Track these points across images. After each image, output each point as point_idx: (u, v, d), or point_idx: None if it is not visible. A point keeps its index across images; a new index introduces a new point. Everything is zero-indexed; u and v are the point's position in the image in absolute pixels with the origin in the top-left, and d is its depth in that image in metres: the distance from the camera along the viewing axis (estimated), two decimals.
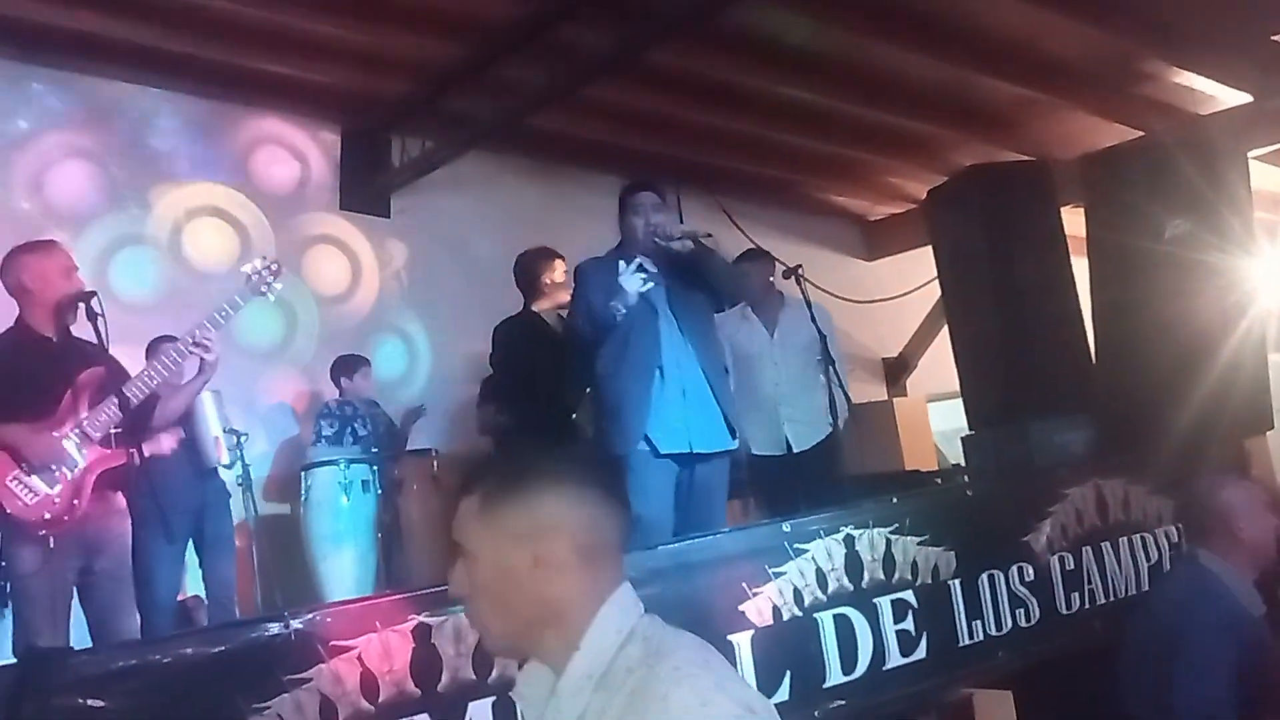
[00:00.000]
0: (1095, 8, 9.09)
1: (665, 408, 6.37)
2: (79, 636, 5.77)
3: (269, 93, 10.34)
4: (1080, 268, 8.50)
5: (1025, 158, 11.30)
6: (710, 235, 6.68)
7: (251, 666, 4.08)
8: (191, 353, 6.05)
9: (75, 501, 5.61)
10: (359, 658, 4.23)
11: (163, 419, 6.52)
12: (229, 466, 8.46)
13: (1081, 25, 9.36)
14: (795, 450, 8.61)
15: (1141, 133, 10.61)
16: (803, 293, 8.32)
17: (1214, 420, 7.43)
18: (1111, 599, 6.73)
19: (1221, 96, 11.14)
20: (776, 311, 8.80)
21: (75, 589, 5.74)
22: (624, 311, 6.37)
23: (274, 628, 4.16)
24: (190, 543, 8.16)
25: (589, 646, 2.30)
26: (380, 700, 4.24)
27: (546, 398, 7.51)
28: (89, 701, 3.79)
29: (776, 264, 8.92)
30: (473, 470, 2.46)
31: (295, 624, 4.17)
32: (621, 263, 6.46)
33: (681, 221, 6.70)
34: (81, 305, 5.74)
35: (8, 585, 5.85)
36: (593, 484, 2.41)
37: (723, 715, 2.11)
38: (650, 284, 6.40)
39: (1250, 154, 9.55)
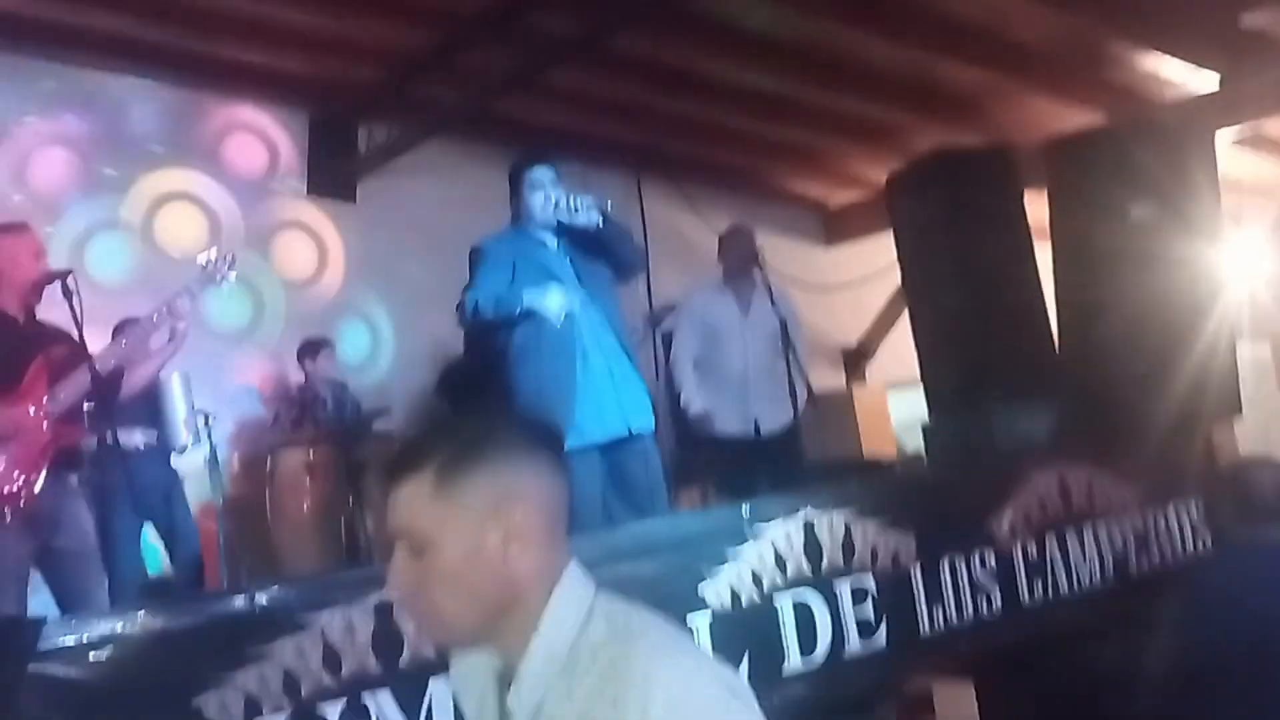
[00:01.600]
0: None
1: (594, 390, 6.05)
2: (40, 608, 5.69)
3: (239, 80, 10.35)
4: (1043, 254, 8.35)
5: (987, 143, 11.14)
6: (608, 204, 6.38)
7: (218, 640, 4.03)
8: (163, 320, 6.03)
9: (32, 477, 5.51)
10: (322, 632, 4.15)
11: (130, 390, 6.55)
12: (183, 451, 8.44)
13: (1045, 6, 9.31)
14: (763, 433, 8.44)
15: (1105, 117, 10.60)
16: (764, 277, 8.15)
17: (1180, 407, 7.26)
18: (1075, 588, 6.53)
19: (1187, 82, 11.09)
20: (751, 291, 8.57)
21: (37, 567, 5.66)
22: (527, 307, 6.02)
23: (240, 601, 4.12)
24: (154, 525, 8.13)
25: (550, 627, 2.12)
26: (343, 674, 4.17)
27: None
28: (59, 670, 3.76)
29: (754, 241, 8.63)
30: (416, 445, 2.20)
31: (260, 599, 4.14)
32: (538, 286, 6.06)
33: (578, 195, 6.42)
34: (58, 283, 5.63)
35: None
36: (543, 450, 2.24)
37: (708, 698, 2.00)
38: (572, 307, 6.03)
39: (1220, 139, 9.49)
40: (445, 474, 2.13)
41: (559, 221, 6.21)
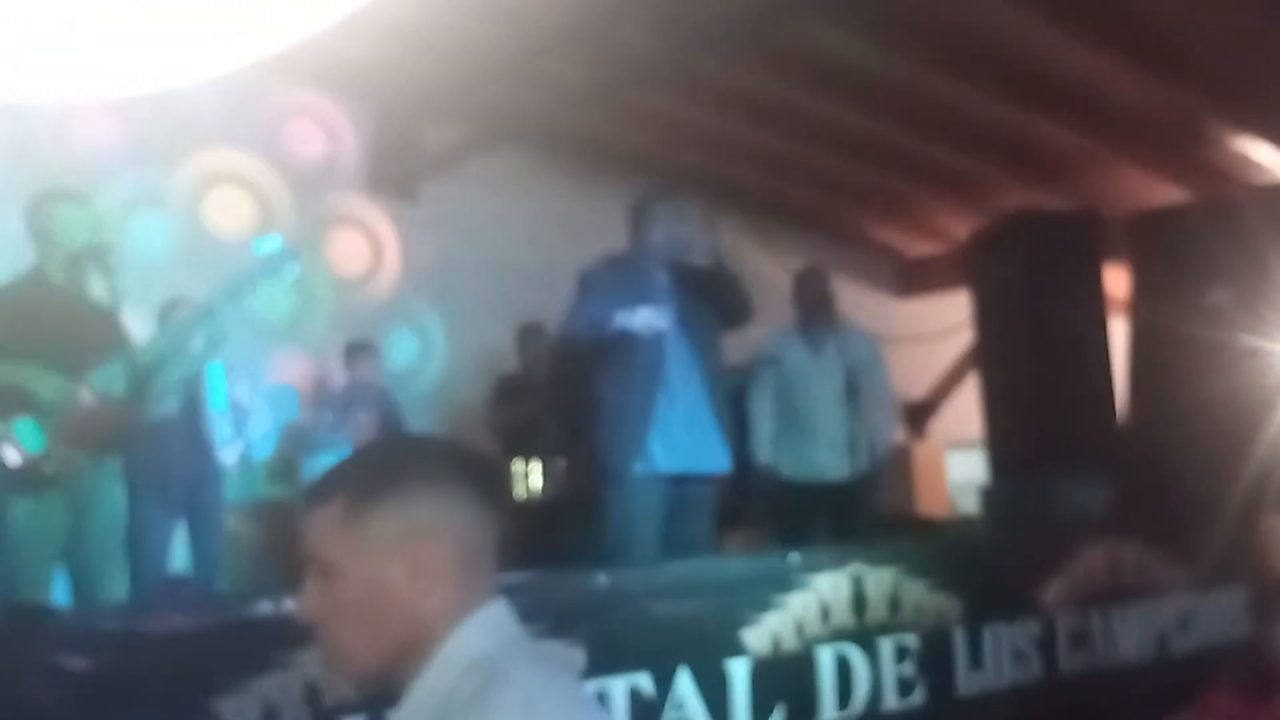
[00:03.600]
0: (1163, 62, 9.07)
1: (668, 425, 6.39)
2: (61, 597, 5.86)
3: (304, 64, 10.25)
4: (1118, 327, 8.55)
5: (1073, 208, 11.28)
6: (728, 254, 6.78)
7: (239, 644, 4.15)
8: (205, 321, 6.09)
9: (75, 458, 5.63)
10: None
11: (167, 385, 6.46)
12: (226, 446, 8.50)
13: (1146, 79, 9.34)
14: (831, 480, 8.59)
15: (1194, 195, 10.66)
16: (839, 320, 8.45)
17: (1237, 496, 7.43)
18: (1116, 663, 6.78)
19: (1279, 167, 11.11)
20: (823, 334, 8.77)
21: (61, 549, 5.76)
22: (628, 331, 6.38)
23: (265, 606, 4.32)
24: (185, 519, 8.24)
25: (429, 673, 2.10)
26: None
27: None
28: (71, 661, 3.85)
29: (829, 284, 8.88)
30: (329, 476, 2.23)
31: (286, 605, 4.25)
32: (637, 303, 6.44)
33: (699, 236, 6.67)
34: (97, 259, 5.80)
35: None
36: (469, 482, 2.21)
37: None
38: (659, 325, 6.40)
39: None
40: (355, 502, 2.13)
41: (674, 259, 6.54)
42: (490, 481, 2.28)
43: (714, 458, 6.57)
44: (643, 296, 6.52)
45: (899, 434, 14.20)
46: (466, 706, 1.99)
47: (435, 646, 2.10)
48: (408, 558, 2.09)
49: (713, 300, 6.62)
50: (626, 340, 6.42)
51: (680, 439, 6.41)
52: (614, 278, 6.65)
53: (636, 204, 6.85)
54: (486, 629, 2.14)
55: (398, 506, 2.13)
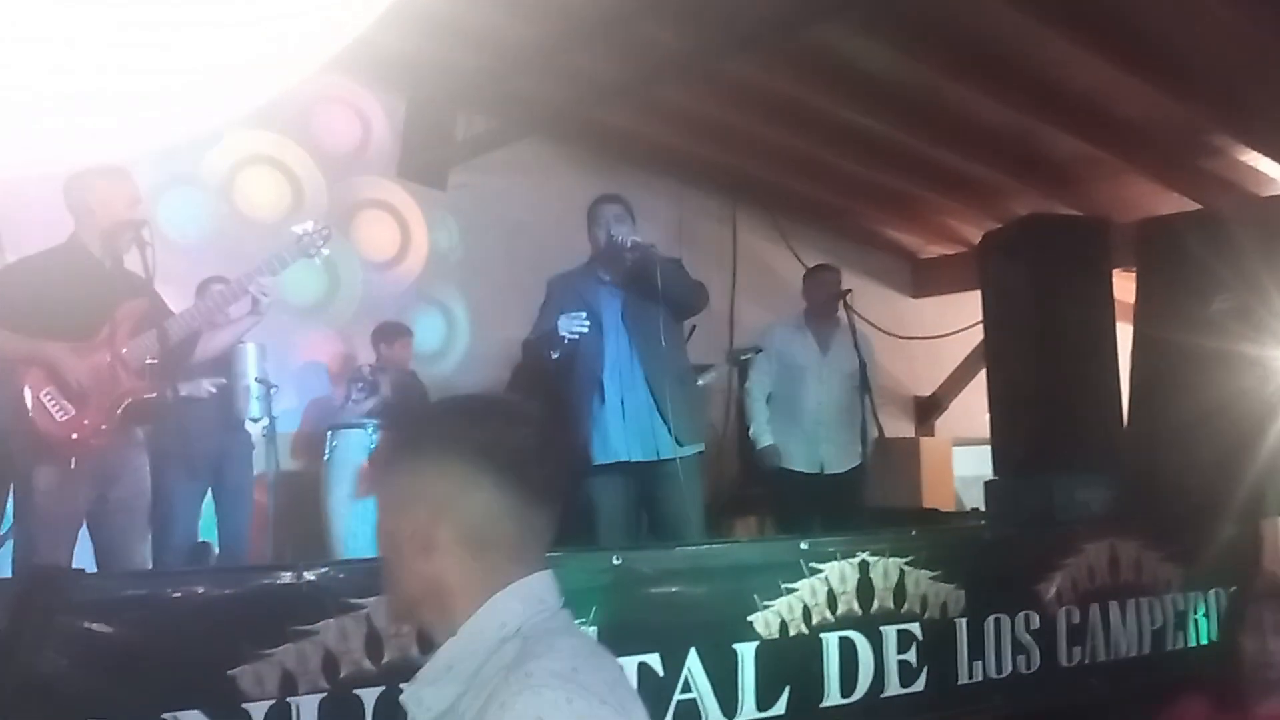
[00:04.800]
0: (1172, 76, 9.09)
1: (604, 419, 6.73)
2: (83, 565, 5.72)
3: (339, 52, 10.28)
4: (1123, 331, 8.60)
5: (1082, 215, 11.32)
6: (653, 246, 6.97)
7: (260, 612, 4.25)
8: (248, 292, 6.12)
9: (102, 427, 5.68)
10: (367, 617, 4.37)
11: (204, 355, 6.52)
12: (256, 419, 8.62)
13: (1155, 91, 9.34)
14: (827, 472, 8.80)
15: (1200, 205, 10.70)
16: (849, 317, 8.55)
17: (1235, 500, 7.52)
18: (1112, 657, 6.87)
19: None
20: (832, 330, 8.93)
21: (85, 517, 5.81)
22: (567, 340, 6.67)
23: (287, 577, 4.33)
24: (209, 489, 8.40)
25: (462, 636, 2.10)
26: (383, 661, 4.40)
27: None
28: (92, 625, 3.93)
29: (843, 283, 8.99)
30: (385, 435, 2.28)
31: (308, 575, 4.34)
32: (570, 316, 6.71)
33: (636, 232, 6.85)
34: (132, 233, 5.79)
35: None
36: (495, 471, 2.15)
37: None
38: (583, 331, 6.65)
39: None
40: (386, 465, 2.27)
41: (615, 257, 6.85)
42: (526, 476, 2.19)
43: (657, 444, 6.79)
44: (587, 300, 6.83)
45: (908, 428, 14.33)
46: (506, 673, 1.99)
47: (460, 612, 2.11)
48: (418, 524, 2.12)
49: (656, 293, 6.77)
50: (568, 345, 6.70)
51: (616, 431, 6.74)
52: (565, 285, 6.98)
53: (588, 208, 7.11)
54: (526, 601, 2.13)
55: (406, 472, 2.18)
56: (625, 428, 6.73)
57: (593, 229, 6.97)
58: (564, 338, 6.64)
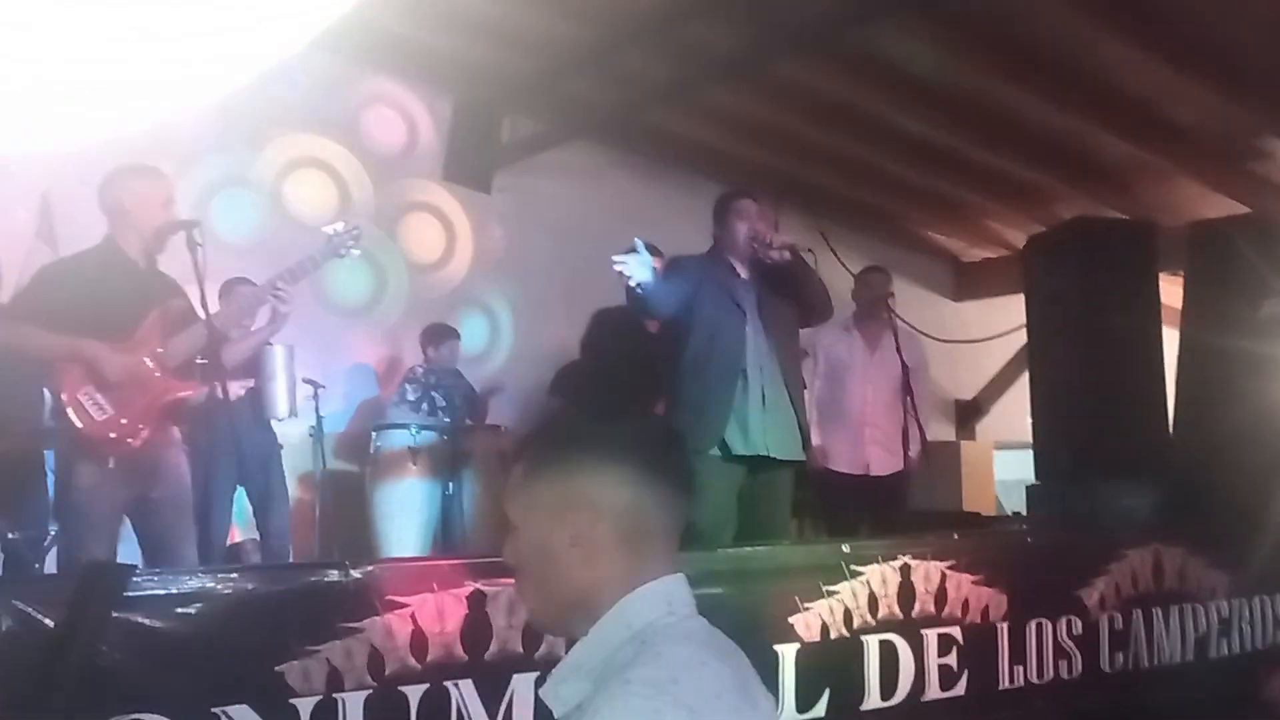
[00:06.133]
0: (1223, 78, 9.01)
1: (745, 411, 6.52)
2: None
3: (387, 53, 10.47)
4: (1169, 336, 8.54)
5: (1130, 219, 11.20)
6: (810, 251, 6.92)
7: (307, 609, 4.28)
8: (269, 300, 6.17)
9: (140, 426, 5.66)
10: (413, 616, 4.40)
11: (230, 356, 6.44)
12: (282, 419, 8.62)
13: (1206, 93, 9.28)
14: (873, 474, 8.77)
15: (1249, 209, 10.62)
16: (892, 320, 8.52)
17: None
18: (1155, 663, 6.81)
19: None
20: (881, 332, 8.87)
21: (128, 515, 5.80)
22: (709, 316, 6.60)
23: (334, 574, 4.36)
24: (244, 490, 8.43)
25: (592, 636, 2.15)
26: (428, 660, 4.42)
27: (627, 391, 7.55)
28: (145, 620, 3.98)
29: (890, 285, 9.02)
30: (523, 439, 2.35)
31: (355, 574, 4.37)
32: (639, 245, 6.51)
33: (778, 232, 6.83)
34: (183, 233, 5.72)
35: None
36: (644, 464, 2.21)
37: None
38: (647, 279, 6.37)
39: None
40: (529, 472, 2.24)
41: (755, 254, 6.72)
42: (671, 464, 2.28)
43: (788, 445, 6.67)
44: (726, 286, 6.71)
45: (949, 432, 14.28)
46: (616, 676, 2.02)
47: (601, 612, 2.14)
48: (567, 527, 2.15)
49: (792, 296, 6.77)
50: (708, 326, 6.60)
51: (756, 425, 6.53)
52: (701, 267, 6.81)
53: (720, 200, 7.00)
54: (653, 603, 2.16)
55: (559, 478, 2.20)
56: (765, 422, 6.58)
57: (729, 221, 6.84)
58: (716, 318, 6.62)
